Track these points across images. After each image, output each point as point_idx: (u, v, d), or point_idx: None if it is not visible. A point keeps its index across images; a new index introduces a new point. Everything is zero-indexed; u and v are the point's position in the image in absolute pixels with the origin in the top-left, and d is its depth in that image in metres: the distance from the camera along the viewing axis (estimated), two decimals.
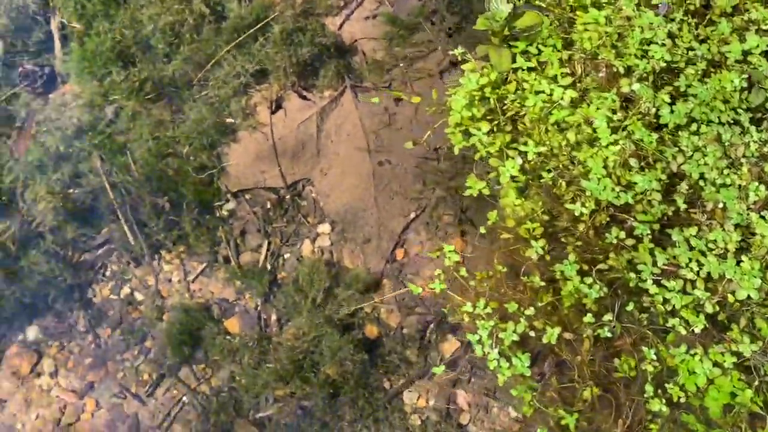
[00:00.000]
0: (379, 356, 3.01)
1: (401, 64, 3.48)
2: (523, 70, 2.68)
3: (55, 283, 3.10)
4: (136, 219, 3.15)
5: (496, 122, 2.64)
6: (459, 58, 3.03)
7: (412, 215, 3.25)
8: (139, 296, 3.17)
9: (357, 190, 3.31)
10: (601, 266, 2.39)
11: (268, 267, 3.17)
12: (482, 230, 2.70)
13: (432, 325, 3.05)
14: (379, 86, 3.45)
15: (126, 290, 3.19)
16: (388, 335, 3.06)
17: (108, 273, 3.21)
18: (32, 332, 3.10)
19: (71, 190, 3.17)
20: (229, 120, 3.31)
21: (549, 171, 2.54)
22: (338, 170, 3.34)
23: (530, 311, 2.49)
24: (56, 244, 3.10)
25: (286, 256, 3.24)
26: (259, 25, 3.35)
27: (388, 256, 3.21)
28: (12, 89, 3.37)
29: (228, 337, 3.07)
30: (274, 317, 3.12)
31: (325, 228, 3.28)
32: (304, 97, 3.44)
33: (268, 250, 3.22)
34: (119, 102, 3.34)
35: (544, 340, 2.45)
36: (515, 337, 2.50)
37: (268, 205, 3.31)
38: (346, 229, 3.24)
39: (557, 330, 2.41)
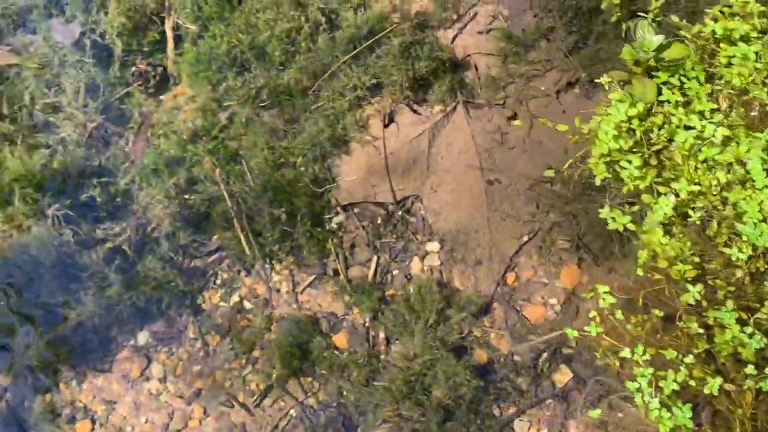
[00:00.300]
0: (490, 382, 2.99)
1: (516, 82, 3.41)
2: (670, 102, 2.60)
3: (167, 288, 3.12)
4: (249, 228, 3.16)
5: (642, 156, 2.56)
6: (606, 86, 2.89)
7: (525, 238, 3.20)
8: (248, 305, 3.18)
9: (467, 209, 3.26)
10: (759, 315, 2.32)
11: (377, 282, 3.16)
12: (639, 271, 2.58)
13: (545, 354, 3.01)
14: (492, 103, 3.39)
15: (235, 298, 3.20)
16: (498, 361, 3.02)
17: (218, 281, 3.22)
18: (143, 337, 3.12)
19: (187, 196, 3.17)
20: (343, 132, 3.27)
21: (696, 210, 2.46)
22: (448, 188, 3.29)
23: (689, 359, 2.43)
24: (170, 249, 3.12)
25: (395, 272, 3.21)
26: (376, 37, 3.30)
27: (499, 279, 3.17)
28: (126, 88, 3.37)
29: (336, 351, 3.06)
30: (381, 335, 3.10)
31: (434, 246, 3.24)
32: (416, 112, 3.40)
33: (377, 265, 3.20)
34: (233, 108, 3.33)
35: (706, 391, 2.36)
36: (675, 386, 2.42)
37: (378, 220, 3.28)
38: (456, 248, 3.20)
39: (718, 381, 2.33)
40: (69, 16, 3.33)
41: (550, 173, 3.04)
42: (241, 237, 3.09)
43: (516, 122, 3.30)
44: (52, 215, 2.93)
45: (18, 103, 3.27)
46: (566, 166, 3.02)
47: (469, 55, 3.53)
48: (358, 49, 3.30)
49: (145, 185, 3.17)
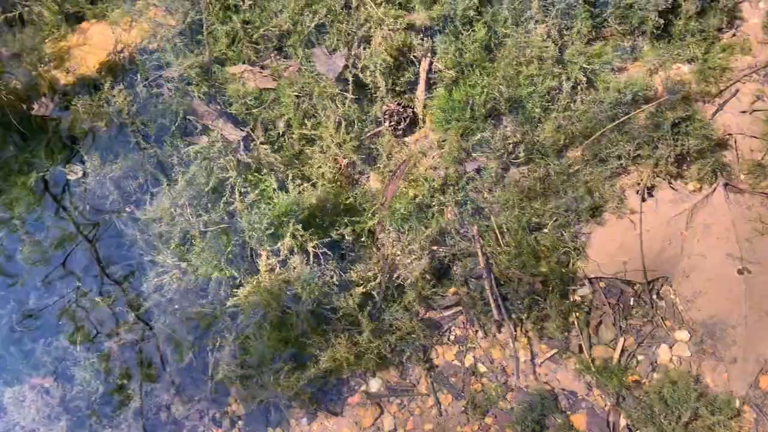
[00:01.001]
0: None
1: None
2: None
3: (408, 340, 3.06)
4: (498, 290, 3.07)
5: None
6: None
7: None
8: (482, 368, 3.08)
9: (723, 300, 3.08)
10: None
11: (622, 366, 3.02)
12: None
13: None
14: (755, 190, 3.20)
15: (470, 359, 3.11)
16: None
17: (452, 336, 3.15)
18: (375, 384, 3.07)
19: (436, 248, 3.10)
20: (600, 201, 3.14)
21: None
22: (703, 275, 3.12)
23: None
24: (415, 300, 3.06)
25: (640, 357, 3.06)
26: (643, 108, 3.16)
27: (752, 381, 2.99)
28: (377, 127, 3.33)
29: None
30: (623, 422, 2.96)
31: (683, 335, 3.07)
32: (674, 189, 3.24)
33: (622, 347, 3.06)
34: (484, 160, 3.25)
35: None
36: None
37: (625, 299, 3.15)
38: (708, 341, 3.03)
39: None
40: (330, 46, 3.30)
41: None
42: (490, 298, 2.99)
43: None
44: (312, 252, 2.90)
45: (272, 129, 3.27)
46: None
47: (729, 135, 3.35)
48: (625, 117, 3.16)
49: (393, 229, 3.11)
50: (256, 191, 2.97)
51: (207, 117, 3.16)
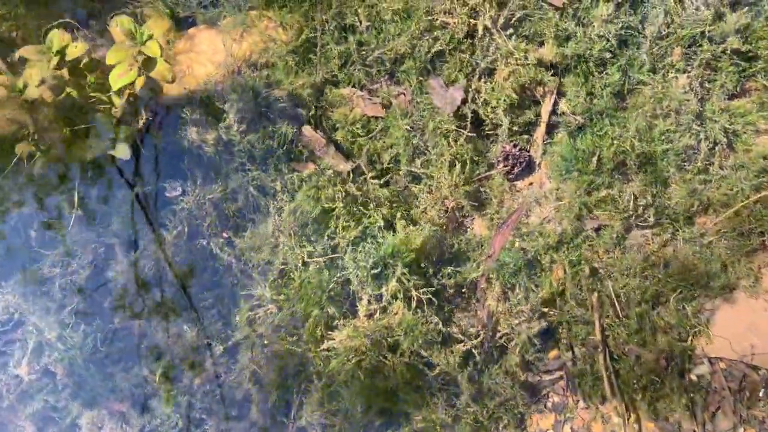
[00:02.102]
0: None
1: None
2: None
3: (508, 406, 2.86)
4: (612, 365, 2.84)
5: None
6: None
7: None
8: None
9: None
10: None
11: None
12: None
13: None
14: None
15: (567, 430, 2.90)
16: None
17: (549, 403, 2.94)
18: None
19: (547, 310, 2.88)
20: (734, 278, 2.87)
21: None
22: None
23: None
24: (518, 363, 2.85)
25: None
26: None
27: None
28: (489, 170, 3.11)
29: None
30: None
31: None
32: None
33: None
34: (605, 219, 3.00)
35: None
36: None
37: (748, 386, 2.88)
38: None
39: None
40: (449, 77, 3.07)
41: None
42: (603, 374, 2.76)
43: None
44: (416, 298, 2.71)
45: (377, 163, 3.08)
46: None
47: None
48: None
49: (500, 284, 2.90)
50: (360, 227, 2.78)
51: (315, 143, 2.98)
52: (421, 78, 3.12)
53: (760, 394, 2.81)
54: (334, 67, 3.12)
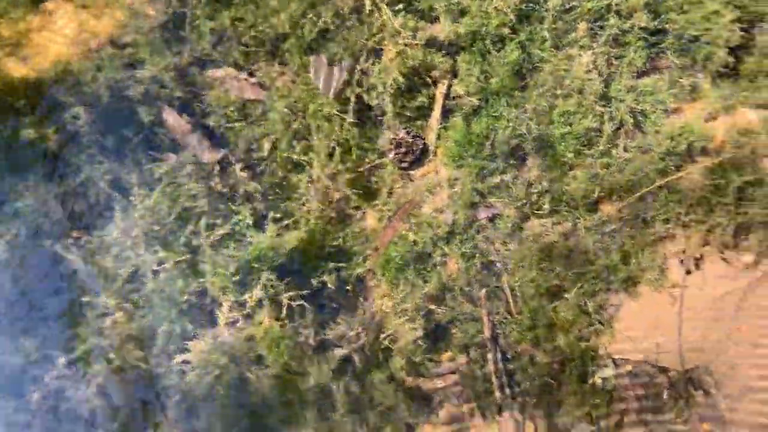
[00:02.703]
0: None
1: None
2: None
3: (390, 418, 2.57)
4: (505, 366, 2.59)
5: None
6: None
7: None
8: None
9: None
10: None
11: None
12: None
13: None
14: None
15: None
16: None
17: (443, 414, 2.64)
18: None
19: (434, 307, 2.62)
20: (637, 271, 2.64)
21: None
22: (754, 370, 2.61)
23: None
24: (403, 367, 2.57)
25: None
26: (706, 161, 2.64)
27: None
28: (379, 158, 2.84)
29: None
30: None
31: None
32: (726, 261, 2.72)
33: None
34: (498, 207, 2.75)
35: None
36: None
37: (655, 389, 2.64)
38: None
39: None
40: (332, 56, 2.79)
41: None
42: (493, 376, 2.51)
43: None
44: (286, 304, 2.43)
45: (256, 150, 2.78)
46: None
47: None
48: (676, 176, 2.64)
49: (385, 281, 2.63)
50: (227, 226, 2.49)
51: (178, 130, 2.68)
52: (305, 57, 2.85)
53: (664, 397, 2.58)
54: (206, 45, 2.83)
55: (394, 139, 2.82)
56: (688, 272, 2.66)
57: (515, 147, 2.75)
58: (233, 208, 2.59)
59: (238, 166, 2.64)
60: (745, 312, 2.62)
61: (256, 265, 2.40)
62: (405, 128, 2.85)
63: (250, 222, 2.54)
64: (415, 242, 2.70)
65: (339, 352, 2.48)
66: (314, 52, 2.84)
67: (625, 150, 2.72)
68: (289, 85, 2.84)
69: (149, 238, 2.42)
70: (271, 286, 2.40)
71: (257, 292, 2.36)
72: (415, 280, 2.63)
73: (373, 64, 2.80)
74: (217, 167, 2.63)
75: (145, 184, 2.55)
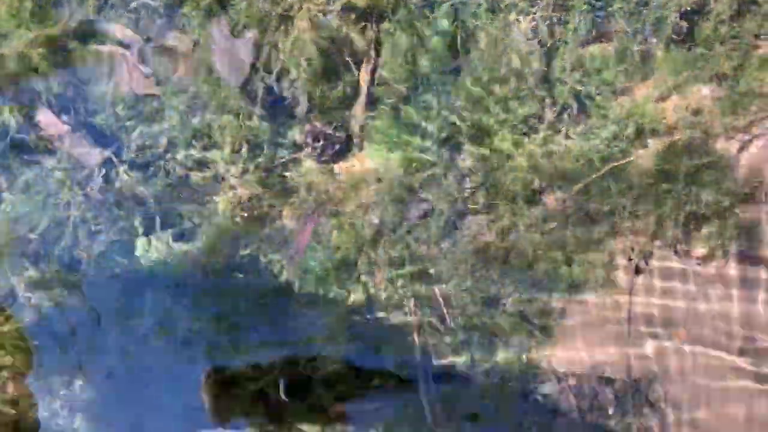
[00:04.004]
0: None
1: None
2: None
3: None
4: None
5: None
6: None
7: None
8: None
9: (729, 416, 2.38)
10: None
11: None
12: None
13: None
14: None
15: None
16: None
17: None
18: None
19: (358, 317, 2.36)
20: (579, 271, 2.38)
21: None
22: (703, 379, 2.40)
23: None
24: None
25: None
26: (656, 144, 2.37)
27: None
28: (295, 153, 2.51)
29: None
30: None
31: None
32: (677, 255, 2.47)
33: None
34: (431, 202, 2.45)
35: None
36: None
37: (601, 402, 2.42)
38: None
39: None
40: (238, 23, 2.38)
41: None
42: (424, 401, 2.28)
43: None
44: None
45: (150, 148, 2.44)
46: None
47: (757, 185, 2.58)
48: (623, 161, 2.38)
49: (306, 292, 2.35)
50: (110, 234, 2.16)
51: (52, 128, 2.32)
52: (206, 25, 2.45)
53: (610, 412, 2.38)
54: (91, 11, 2.40)
55: (311, 131, 2.51)
56: (638, 272, 2.42)
57: (448, 137, 2.47)
58: (121, 214, 2.27)
59: (122, 168, 2.31)
60: (696, 311, 2.40)
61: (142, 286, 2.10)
62: (325, 119, 2.53)
63: (141, 231, 2.23)
64: (338, 248, 2.43)
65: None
66: (214, 18, 2.46)
67: (567, 137, 2.45)
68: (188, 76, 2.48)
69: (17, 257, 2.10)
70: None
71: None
72: (337, 290, 2.37)
73: (285, 35, 2.44)
74: (100, 170, 2.30)
75: (13, 193, 2.22)
